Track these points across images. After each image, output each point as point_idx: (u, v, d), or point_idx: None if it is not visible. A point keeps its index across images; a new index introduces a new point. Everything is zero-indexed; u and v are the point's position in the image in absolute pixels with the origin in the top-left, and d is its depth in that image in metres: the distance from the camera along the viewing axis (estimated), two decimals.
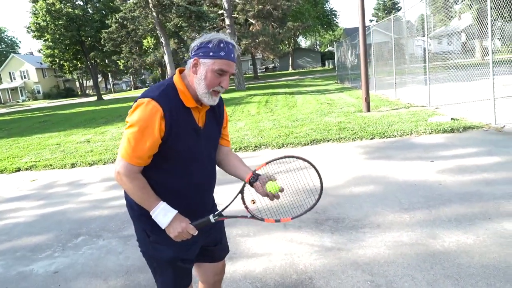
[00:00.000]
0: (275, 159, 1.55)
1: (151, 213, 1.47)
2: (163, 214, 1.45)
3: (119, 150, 1.46)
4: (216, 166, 1.74)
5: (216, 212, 1.54)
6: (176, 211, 1.48)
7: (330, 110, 9.90)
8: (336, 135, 6.65)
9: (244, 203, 1.59)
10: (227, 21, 23.33)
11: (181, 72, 1.55)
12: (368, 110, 9.08)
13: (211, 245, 1.73)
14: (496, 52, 8.92)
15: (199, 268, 1.80)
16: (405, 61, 12.32)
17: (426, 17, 8.84)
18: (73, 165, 6.89)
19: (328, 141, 6.50)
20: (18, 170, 7.02)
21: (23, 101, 56.84)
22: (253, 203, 1.59)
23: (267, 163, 1.55)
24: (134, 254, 3.16)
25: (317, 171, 1.58)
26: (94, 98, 38.59)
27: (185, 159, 1.51)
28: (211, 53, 1.40)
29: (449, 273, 2.36)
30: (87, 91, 62.16)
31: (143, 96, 1.44)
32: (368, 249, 2.77)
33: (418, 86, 10.76)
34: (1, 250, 3.59)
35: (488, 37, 6.23)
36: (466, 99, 9.00)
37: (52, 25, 33.02)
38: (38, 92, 58.66)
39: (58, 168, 6.85)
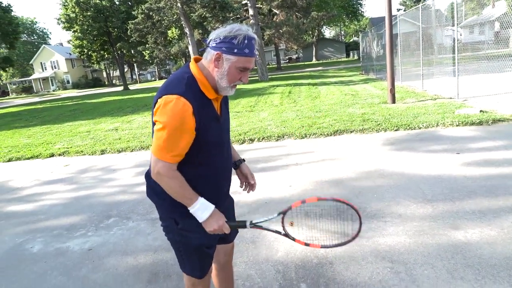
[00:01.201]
0: (327, 199, 1.57)
1: (189, 209, 1.51)
2: (202, 210, 1.51)
3: (154, 151, 1.45)
4: None
5: (255, 221, 1.63)
6: (214, 207, 1.54)
7: (354, 101, 9.80)
8: (360, 126, 6.61)
9: (282, 222, 1.69)
10: (251, 11, 23.25)
11: (196, 60, 1.54)
12: (393, 102, 8.94)
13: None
14: None
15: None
16: (433, 52, 11.98)
17: (456, 6, 8.55)
18: (102, 152, 7.18)
19: (351, 132, 6.48)
20: (52, 155, 7.39)
21: (53, 91, 58.93)
22: (291, 225, 1.69)
23: (319, 199, 1.57)
24: (162, 236, 3.30)
25: (360, 219, 1.62)
26: (121, 88, 39.54)
27: (212, 148, 1.56)
28: (235, 50, 1.40)
29: (470, 262, 2.37)
30: (114, 81, 63.74)
31: (169, 92, 1.41)
32: (388, 237, 2.81)
33: (446, 77, 10.46)
34: (40, 228, 3.85)
35: None
36: (497, 91, 8.70)
37: (81, 16, 33.99)
38: (68, 82, 60.63)
39: (89, 154, 7.17)
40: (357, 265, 2.51)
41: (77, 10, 33.83)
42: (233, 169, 1.83)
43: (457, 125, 6.07)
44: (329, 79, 19.25)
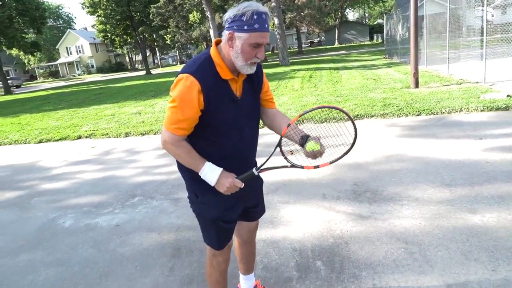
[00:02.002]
0: (308, 111, 1.58)
1: (199, 173, 1.59)
2: (211, 172, 1.58)
3: (164, 121, 1.58)
4: (267, 129, 1.86)
5: (259, 166, 1.68)
6: (222, 169, 1.60)
7: (376, 86, 9.65)
8: (381, 111, 6.55)
9: (283, 154, 1.70)
10: None
11: (217, 43, 1.59)
12: (417, 86, 8.75)
13: (251, 207, 1.91)
14: None
15: (237, 226, 1.98)
16: (461, 34, 11.52)
17: None
18: (127, 134, 7.43)
19: (371, 116, 6.44)
20: (79, 137, 7.70)
21: (79, 75, 60.46)
22: (291, 153, 1.69)
23: (300, 115, 1.60)
24: (184, 215, 3.48)
25: (349, 117, 1.60)
26: (143, 72, 40.10)
27: (225, 128, 1.60)
28: (245, 27, 1.42)
29: (485, 245, 2.40)
30: (136, 66, 64.59)
31: (182, 71, 1.52)
32: (404, 220, 2.85)
33: (473, 61, 10.10)
34: (70, 205, 4.10)
35: None
36: None
37: (104, 0, 34.39)
38: (92, 66, 61.98)
39: (114, 137, 7.43)
40: (371, 245, 2.58)
41: None
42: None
43: (481, 110, 5.93)
44: (351, 63, 18.90)
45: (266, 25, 1.46)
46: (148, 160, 5.55)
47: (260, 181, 1.94)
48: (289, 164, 1.68)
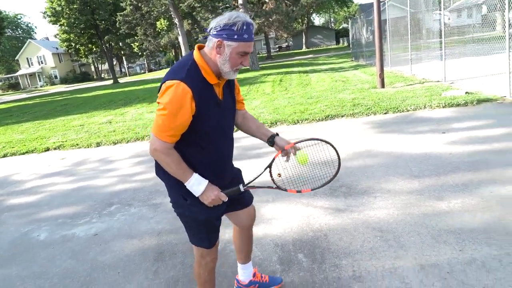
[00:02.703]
0: (302, 141, 1.76)
1: (185, 184, 1.64)
2: (197, 184, 1.64)
3: (153, 129, 1.58)
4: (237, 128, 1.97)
5: (246, 182, 1.77)
6: (207, 181, 1.66)
7: (344, 87, 9.97)
8: (350, 111, 6.79)
9: (271, 175, 1.83)
10: (240, 0, 23.13)
11: (199, 48, 1.64)
12: (383, 86, 9.13)
13: (236, 195, 1.92)
14: None
15: (236, 216, 2.02)
16: (421, 36, 12.14)
17: None
18: (98, 144, 7.27)
19: (342, 116, 6.66)
20: (47, 149, 7.46)
21: (41, 86, 58.11)
22: (279, 176, 1.82)
23: (295, 143, 1.77)
24: (164, 219, 3.48)
25: (335, 150, 1.78)
26: (110, 82, 39.17)
27: (213, 132, 1.66)
28: (235, 36, 1.50)
29: (452, 229, 2.58)
30: (103, 75, 63.02)
31: (171, 78, 1.53)
32: (378, 210, 3.00)
33: (434, 61, 10.66)
34: (43, 217, 3.98)
35: (506, 9, 6.17)
36: (482, 73, 8.93)
37: (67, 9, 33.48)
38: (55, 77, 59.82)
39: (85, 147, 7.25)
40: (349, 235, 2.70)
41: (63, 3, 33.29)
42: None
43: (443, 107, 6.29)
44: (319, 67, 19.37)
45: (253, 35, 1.56)
46: (123, 168, 5.47)
47: (236, 171, 1.99)
48: (274, 186, 1.81)
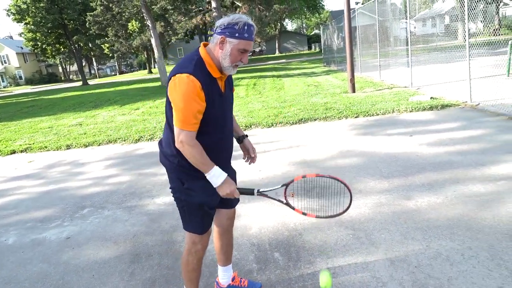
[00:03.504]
0: (324, 176, 1.87)
1: (206, 175, 1.74)
2: (217, 176, 1.75)
3: (176, 122, 1.67)
4: None
5: (261, 190, 1.86)
6: (227, 175, 1.78)
7: (317, 92, 10.21)
8: (323, 114, 6.97)
9: (285, 192, 1.97)
10: (214, 4, 23.10)
11: (205, 45, 1.79)
12: (353, 91, 9.42)
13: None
14: (478, 35, 9.32)
15: (217, 214, 2.10)
16: (389, 44, 12.64)
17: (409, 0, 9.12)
18: (68, 147, 7.06)
19: (315, 120, 6.83)
20: (13, 152, 7.16)
21: (4, 87, 55.42)
22: (292, 196, 1.92)
23: (317, 175, 1.89)
24: (140, 221, 3.45)
25: (351, 195, 1.87)
26: (79, 83, 37.98)
27: (218, 121, 1.80)
28: (237, 34, 1.65)
29: (419, 226, 2.73)
30: (71, 76, 60.96)
31: (179, 72, 1.66)
32: (351, 209, 3.10)
33: (401, 68, 11.13)
34: (11, 222, 3.84)
35: (466, 20, 6.56)
36: (446, 80, 9.42)
37: (33, 7, 32.21)
38: (20, 77, 57.27)
39: (54, 150, 7.02)
40: (323, 234, 2.80)
41: (28, 1, 32.00)
42: (237, 143, 2.12)
43: (410, 111, 6.59)
44: (292, 71, 19.68)
45: (253, 36, 1.70)
46: (95, 171, 5.36)
47: (233, 171, 2.09)
48: (284, 201, 1.94)
